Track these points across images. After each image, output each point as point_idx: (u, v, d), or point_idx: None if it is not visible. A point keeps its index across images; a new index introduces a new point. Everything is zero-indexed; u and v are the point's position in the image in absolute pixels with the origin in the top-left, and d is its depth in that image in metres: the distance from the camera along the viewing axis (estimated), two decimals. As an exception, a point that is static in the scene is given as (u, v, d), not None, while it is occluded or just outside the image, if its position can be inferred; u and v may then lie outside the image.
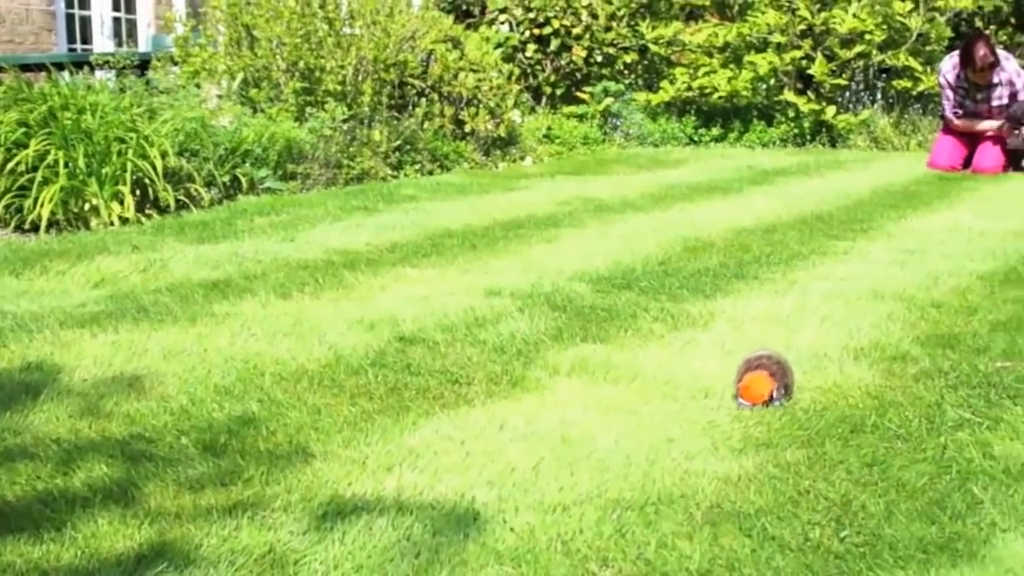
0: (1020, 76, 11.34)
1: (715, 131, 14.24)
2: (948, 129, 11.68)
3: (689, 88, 14.33)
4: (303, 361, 4.58)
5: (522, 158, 12.07)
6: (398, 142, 10.50)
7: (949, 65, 11.47)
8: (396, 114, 10.97)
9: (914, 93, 14.40)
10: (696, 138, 14.21)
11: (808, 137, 14.08)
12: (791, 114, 14.14)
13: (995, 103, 11.31)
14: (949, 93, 11.50)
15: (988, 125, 11.34)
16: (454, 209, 8.52)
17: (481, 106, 11.63)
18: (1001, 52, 11.41)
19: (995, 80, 11.22)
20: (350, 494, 3.28)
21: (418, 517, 3.12)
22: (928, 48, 14.27)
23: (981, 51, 11.10)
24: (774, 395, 4.01)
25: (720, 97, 14.25)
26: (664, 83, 14.49)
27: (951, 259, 6.59)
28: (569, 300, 5.58)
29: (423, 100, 11.28)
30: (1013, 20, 17.18)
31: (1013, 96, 11.25)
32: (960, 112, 11.51)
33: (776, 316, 5.29)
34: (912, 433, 3.76)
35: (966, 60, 11.19)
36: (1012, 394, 4.12)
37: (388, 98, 10.93)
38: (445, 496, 3.27)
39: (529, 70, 14.22)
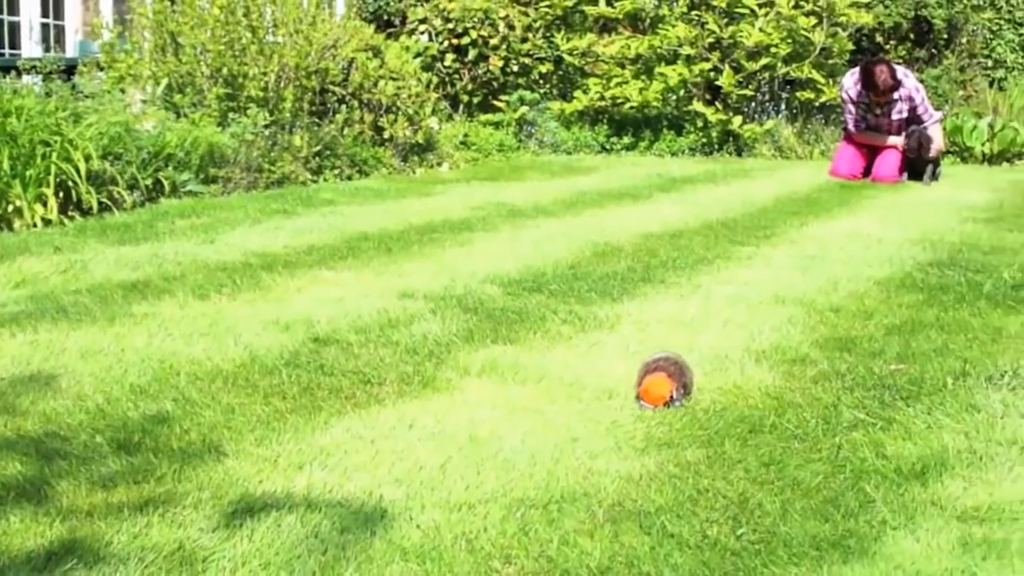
0: (919, 92, 11.44)
1: (626, 140, 14.26)
2: (849, 138, 11.77)
3: (602, 98, 14.35)
4: (218, 361, 4.51)
5: (439, 164, 12.03)
6: (318, 147, 10.42)
7: (851, 81, 11.55)
8: (317, 120, 10.89)
9: (817, 104, 14.54)
10: (608, 146, 14.23)
11: (716, 146, 14.14)
12: (699, 124, 14.19)
13: (895, 117, 11.41)
14: (851, 107, 11.58)
15: (892, 141, 11.43)
16: (371, 213, 8.46)
17: (400, 113, 11.57)
18: (900, 69, 11.51)
19: (895, 96, 11.31)
20: (260, 492, 3.23)
21: (326, 514, 3.07)
22: (831, 61, 14.41)
23: (882, 76, 11.17)
24: (674, 395, 4.00)
25: (632, 107, 14.29)
26: (578, 93, 14.49)
27: (850, 265, 6.63)
28: (480, 302, 5.55)
29: (343, 107, 11.20)
30: (912, 36, 17.40)
31: (912, 111, 11.35)
32: (863, 125, 11.60)
33: (680, 319, 5.29)
34: (809, 433, 3.76)
35: (868, 84, 11.26)
36: (905, 395, 4.14)
37: (309, 104, 10.85)
38: (354, 494, 3.23)
39: (447, 79, 14.17)
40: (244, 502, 3.15)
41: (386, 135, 11.46)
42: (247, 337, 4.86)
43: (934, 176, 11.36)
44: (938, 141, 11.43)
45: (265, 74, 10.58)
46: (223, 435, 3.68)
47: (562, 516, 3.10)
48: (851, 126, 11.68)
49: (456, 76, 14.25)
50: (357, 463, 3.45)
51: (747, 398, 4.12)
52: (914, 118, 11.39)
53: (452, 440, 3.68)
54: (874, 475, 3.39)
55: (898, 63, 13.19)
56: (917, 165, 11.37)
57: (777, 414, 3.93)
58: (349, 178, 10.61)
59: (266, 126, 10.04)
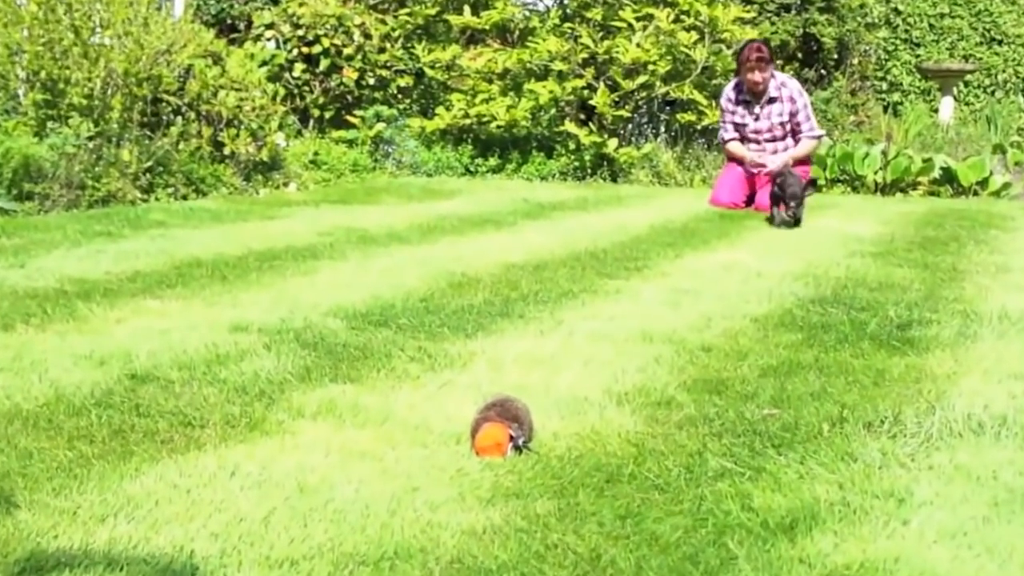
0: (802, 96, 11.69)
1: (492, 161, 14.31)
2: (733, 164, 11.92)
3: (466, 115, 14.39)
4: (19, 400, 4.40)
5: (286, 184, 11.97)
6: (150, 163, 10.30)
7: (730, 85, 11.84)
8: (148, 133, 10.77)
9: (699, 128, 14.71)
10: (472, 168, 14.27)
11: (589, 171, 14.24)
12: (572, 146, 14.29)
13: (776, 119, 11.60)
14: (728, 116, 11.79)
15: (764, 160, 11.54)
16: (207, 237, 8.38)
17: (243, 127, 11.50)
18: (786, 75, 11.79)
19: (775, 94, 11.54)
20: (54, 548, 3.14)
21: (129, 572, 3.00)
22: (714, 82, 14.59)
23: (753, 46, 11.58)
24: (513, 435, 3.98)
25: (498, 126, 14.33)
26: (440, 109, 14.52)
27: (725, 300, 6.68)
28: (321, 337, 5.50)
29: (179, 119, 11.09)
30: (800, 55, 17.73)
31: (793, 115, 11.56)
32: (737, 136, 11.77)
33: (538, 357, 5.28)
34: (670, 483, 3.76)
35: (739, 60, 11.66)
36: (777, 443, 4.16)
37: (140, 115, 10.72)
38: (162, 549, 3.15)
39: (296, 91, 14.11)
40: (34, 560, 3.05)
41: (227, 151, 11.36)
42: (55, 373, 4.76)
43: (794, 220, 10.30)
44: (795, 155, 11.58)
45: (90, 80, 10.43)
46: (16, 484, 3.57)
47: (394, 574, 3.06)
48: (724, 135, 11.85)
49: (306, 88, 14.19)
50: (169, 515, 3.38)
51: (605, 444, 4.11)
52: (794, 128, 11.62)
53: (278, 489, 3.62)
54: (738, 529, 3.39)
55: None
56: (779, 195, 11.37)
57: (637, 462, 3.92)
58: (184, 198, 10.51)
59: (90, 138, 9.89)
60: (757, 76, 11.49)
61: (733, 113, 11.77)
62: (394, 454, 3.99)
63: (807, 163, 11.92)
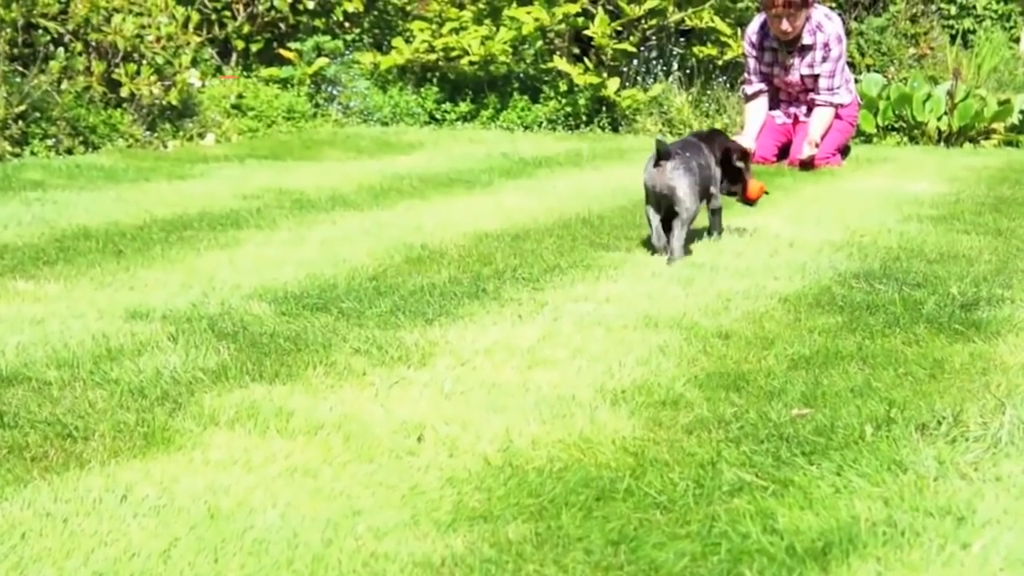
0: (839, 44, 11.53)
1: (464, 107, 14.33)
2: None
3: (431, 49, 14.39)
4: None
5: (202, 135, 11.98)
6: (22, 107, 10.31)
7: (756, 24, 11.76)
8: (21, 68, 10.76)
9: (720, 63, 14.69)
10: (439, 116, 14.29)
11: (584, 118, 14.26)
12: (563, 87, 14.30)
13: (805, 71, 11.56)
14: (752, 63, 11.75)
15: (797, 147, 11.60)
16: (98, 201, 8.40)
17: (145, 62, 11.48)
18: (824, 9, 11.70)
19: (808, 41, 11.49)
20: None
21: (-13, 623, 3.01)
22: (739, 5, 14.60)
23: None
24: None
25: (471, 62, 14.33)
26: (397, 41, 14.51)
27: (748, 276, 6.70)
28: (243, 325, 5.51)
29: (61, 50, 11.06)
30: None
31: (822, 64, 11.55)
32: (763, 89, 11.75)
33: (516, 348, 5.29)
34: (676, 500, 3.77)
35: (763, 1, 11.55)
36: (808, 450, 4.17)
37: (9, 45, 10.71)
38: (31, 593, 3.16)
39: (215, 16, 14.07)
40: None
41: (124, 93, 11.36)
42: None
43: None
44: (814, 134, 11.54)
45: (-60, -1, 10.43)
46: None
47: (326, 617, 3.08)
48: (745, 87, 11.87)
49: (227, 13, 14.15)
50: (39, 551, 3.37)
51: (596, 454, 4.13)
52: (814, 86, 11.62)
53: (183, 515, 3.62)
54: (759, 556, 3.40)
55: (831, 5, 13.43)
56: None
57: (635, 475, 3.94)
58: (69, 151, 10.55)
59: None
60: (785, 25, 11.40)
61: (758, 59, 11.74)
62: (330, 470, 4.00)
63: (851, 107, 11.90)
